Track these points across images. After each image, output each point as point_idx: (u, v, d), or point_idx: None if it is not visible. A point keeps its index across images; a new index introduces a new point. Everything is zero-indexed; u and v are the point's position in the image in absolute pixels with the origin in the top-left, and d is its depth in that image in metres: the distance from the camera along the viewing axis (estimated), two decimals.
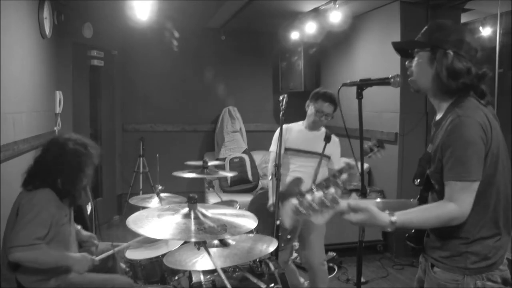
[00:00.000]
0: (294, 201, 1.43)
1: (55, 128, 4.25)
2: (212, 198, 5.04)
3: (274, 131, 3.27)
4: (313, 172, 3.22)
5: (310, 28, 5.08)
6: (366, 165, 4.38)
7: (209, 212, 1.76)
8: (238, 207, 3.06)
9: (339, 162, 3.29)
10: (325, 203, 1.39)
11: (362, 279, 3.77)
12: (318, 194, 1.41)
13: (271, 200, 3.09)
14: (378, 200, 1.73)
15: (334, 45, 5.78)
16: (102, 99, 5.51)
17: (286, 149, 3.20)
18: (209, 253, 1.69)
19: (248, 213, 1.90)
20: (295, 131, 3.26)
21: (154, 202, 3.00)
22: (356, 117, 1.84)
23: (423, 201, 1.68)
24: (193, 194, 1.76)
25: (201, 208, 1.76)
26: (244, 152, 5.90)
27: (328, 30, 5.15)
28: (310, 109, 3.21)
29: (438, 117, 1.65)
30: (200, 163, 3.28)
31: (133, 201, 3.11)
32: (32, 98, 3.56)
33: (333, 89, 2.70)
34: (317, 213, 1.40)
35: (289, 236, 3.10)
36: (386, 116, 4.67)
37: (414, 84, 1.68)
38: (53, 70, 4.26)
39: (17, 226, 2.14)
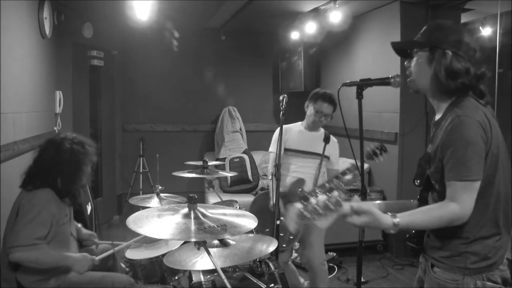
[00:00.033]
0: (298, 205, 1.43)
1: (55, 128, 4.26)
2: (212, 198, 5.04)
3: (274, 131, 3.27)
4: (313, 172, 3.23)
5: (310, 28, 5.08)
6: (366, 165, 4.38)
7: (209, 212, 1.75)
8: (238, 207, 3.06)
9: (338, 162, 3.31)
10: (329, 207, 1.39)
11: (362, 279, 3.76)
12: (322, 197, 1.41)
13: (273, 201, 3.09)
14: (378, 202, 1.72)
15: (334, 45, 5.77)
16: (102, 99, 5.51)
17: (286, 150, 3.20)
18: (209, 253, 1.69)
19: (248, 213, 1.90)
20: (294, 132, 3.26)
21: (154, 202, 2.99)
22: (356, 117, 1.84)
23: (423, 201, 1.68)
24: (193, 194, 1.76)
25: (201, 208, 1.76)
26: (244, 152, 5.90)
27: (328, 30, 5.15)
28: (310, 109, 3.21)
29: (438, 117, 1.65)
30: (200, 163, 3.27)
31: (133, 201, 3.11)
32: (32, 98, 3.56)
33: (333, 89, 2.70)
34: (321, 217, 1.40)
35: (291, 237, 3.11)
36: (386, 116, 4.67)
37: (413, 84, 1.68)
38: (53, 70, 4.26)
39: (18, 226, 2.14)
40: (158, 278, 2.72)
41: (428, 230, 1.65)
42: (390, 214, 1.48)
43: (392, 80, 1.81)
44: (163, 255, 2.47)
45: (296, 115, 3.39)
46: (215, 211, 1.81)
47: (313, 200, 1.42)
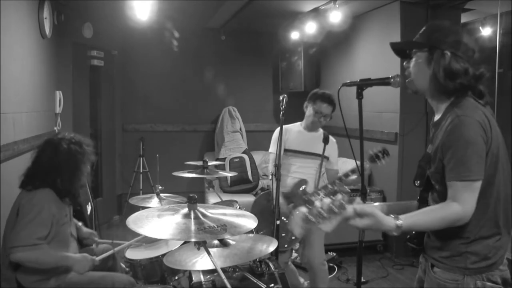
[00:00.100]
0: (303, 209, 1.43)
1: (55, 128, 4.26)
2: (212, 198, 5.04)
3: (274, 131, 3.28)
4: (313, 173, 3.24)
5: (310, 28, 5.08)
6: (366, 166, 4.39)
7: (209, 212, 1.75)
8: (238, 207, 3.06)
9: (337, 162, 3.32)
10: (333, 210, 1.39)
11: (362, 279, 3.77)
12: (326, 201, 1.41)
13: (280, 199, 3.09)
14: (376, 204, 1.72)
15: (334, 45, 5.77)
16: (102, 99, 5.51)
17: (286, 150, 3.20)
18: (209, 253, 1.69)
19: (248, 213, 1.90)
20: (294, 132, 3.26)
21: (154, 202, 2.99)
22: (356, 117, 1.84)
23: (423, 202, 1.68)
24: (193, 194, 1.76)
25: (201, 208, 1.76)
26: (244, 152, 5.90)
27: (328, 30, 5.15)
28: (309, 110, 3.22)
29: (437, 117, 1.66)
30: (200, 163, 3.27)
31: (133, 201, 3.11)
32: (32, 98, 3.56)
33: (333, 89, 2.70)
34: (326, 221, 1.40)
35: (293, 237, 3.11)
36: (386, 116, 4.67)
37: (412, 85, 1.68)
38: (53, 70, 4.26)
39: (18, 226, 2.14)
40: (158, 278, 2.72)
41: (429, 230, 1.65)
42: (393, 216, 1.47)
43: (392, 80, 1.81)
44: (163, 255, 2.47)
45: (296, 115, 3.39)
46: (215, 211, 1.81)
47: (317, 203, 1.42)
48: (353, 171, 2.93)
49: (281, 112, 2.88)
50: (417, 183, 1.69)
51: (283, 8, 4.94)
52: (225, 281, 1.68)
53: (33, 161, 2.38)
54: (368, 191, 2.81)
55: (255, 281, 2.10)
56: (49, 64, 4.12)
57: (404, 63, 1.70)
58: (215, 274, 2.12)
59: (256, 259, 2.23)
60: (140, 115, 6.11)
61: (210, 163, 3.26)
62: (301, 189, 3.14)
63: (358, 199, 1.48)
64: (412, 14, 4.37)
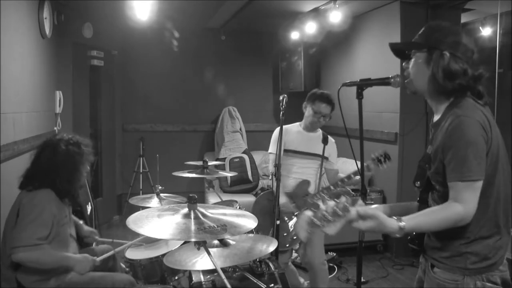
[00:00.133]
0: (308, 213, 1.43)
1: (55, 128, 4.26)
2: (212, 198, 5.04)
3: (274, 131, 3.28)
4: (314, 173, 3.25)
5: (310, 28, 5.08)
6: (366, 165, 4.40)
7: (209, 212, 1.75)
8: (238, 207, 3.06)
9: (336, 162, 3.34)
10: (337, 213, 1.39)
11: (362, 279, 3.77)
12: (331, 204, 1.41)
13: (282, 199, 3.10)
14: (378, 205, 1.72)
15: (334, 45, 5.77)
16: (102, 99, 5.51)
17: (286, 151, 3.20)
18: (209, 253, 1.69)
19: (248, 213, 1.90)
20: (293, 133, 3.26)
21: (154, 202, 2.99)
22: (356, 117, 1.84)
23: (423, 202, 1.68)
24: (193, 194, 1.76)
25: (201, 208, 1.76)
26: (244, 152, 5.90)
27: (328, 30, 5.15)
28: (308, 110, 3.22)
29: (436, 118, 1.66)
30: (200, 163, 3.27)
31: (133, 201, 3.11)
32: (32, 98, 3.55)
33: (333, 89, 2.70)
34: (330, 224, 1.40)
35: (295, 237, 3.12)
36: (386, 116, 4.67)
37: (411, 85, 1.68)
38: (53, 70, 4.26)
39: (19, 227, 2.14)
40: (158, 278, 2.72)
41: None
42: (395, 217, 1.47)
43: (392, 80, 1.81)
44: (163, 255, 2.47)
45: (296, 115, 3.39)
46: (215, 211, 1.81)
47: (322, 206, 1.42)
48: (355, 174, 2.94)
49: (281, 112, 2.88)
50: (417, 184, 1.69)
51: (283, 8, 4.94)
52: (225, 281, 1.68)
53: (32, 163, 2.39)
54: (368, 191, 2.82)
55: (255, 281, 2.10)
56: (49, 64, 4.12)
57: (403, 64, 1.70)
58: (215, 274, 2.12)
59: (256, 259, 2.23)
60: (140, 115, 6.11)
61: (210, 163, 3.26)
62: (304, 192, 3.15)
63: (360, 201, 1.48)
64: (412, 14, 4.37)
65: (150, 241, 2.86)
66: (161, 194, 3.07)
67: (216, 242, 2.10)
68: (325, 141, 3.21)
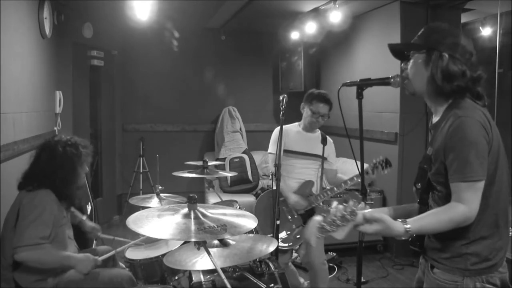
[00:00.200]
0: (318, 218, 1.43)
1: (55, 128, 4.25)
2: (212, 198, 5.04)
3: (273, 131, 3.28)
4: (314, 174, 3.26)
5: (310, 28, 5.08)
6: (366, 165, 4.42)
7: (209, 212, 1.75)
8: (238, 207, 3.06)
9: (335, 162, 3.35)
10: (346, 218, 1.40)
11: (362, 279, 3.77)
12: (340, 208, 1.42)
13: (293, 197, 3.11)
14: (379, 208, 1.73)
15: (334, 45, 5.77)
16: (102, 99, 5.51)
17: (286, 151, 3.20)
18: (209, 253, 1.69)
19: (248, 213, 1.90)
20: (293, 133, 3.27)
21: (154, 202, 2.99)
22: (356, 117, 1.83)
23: (423, 203, 1.68)
24: (193, 194, 1.76)
25: (201, 208, 1.76)
26: (244, 152, 5.90)
27: (328, 30, 5.15)
28: (306, 111, 3.23)
29: (435, 119, 1.66)
30: (200, 163, 3.27)
31: (133, 201, 3.11)
32: (32, 98, 3.55)
33: (333, 89, 2.71)
34: (339, 228, 1.40)
35: (298, 236, 3.13)
36: (386, 116, 4.67)
37: (410, 86, 1.68)
38: (53, 70, 4.26)
39: (21, 227, 2.15)
40: (158, 278, 2.72)
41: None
42: (400, 220, 1.47)
43: (392, 80, 1.81)
44: (163, 255, 2.47)
45: (296, 115, 3.39)
46: (215, 211, 1.81)
47: (332, 211, 1.42)
48: (358, 177, 2.95)
49: (281, 112, 2.89)
50: (418, 185, 1.68)
51: (283, 8, 4.94)
52: (225, 281, 1.68)
53: (30, 164, 2.40)
54: (368, 191, 2.83)
55: (255, 281, 2.10)
56: (49, 64, 4.12)
57: (402, 65, 1.71)
58: (215, 274, 2.11)
59: (256, 259, 2.23)
60: (140, 115, 6.11)
61: (210, 163, 3.26)
62: (309, 192, 3.17)
63: (363, 204, 1.47)
64: (412, 14, 4.37)
65: (150, 241, 2.86)
66: (161, 194, 3.07)
67: (216, 242, 2.10)
68: (324, 141, 3.23)
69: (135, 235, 2.26)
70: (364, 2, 4.66)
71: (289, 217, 3.16)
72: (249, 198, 5.12)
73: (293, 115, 3.38)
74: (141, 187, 5.83)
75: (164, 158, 5.55)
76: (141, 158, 5.94)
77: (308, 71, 5.88)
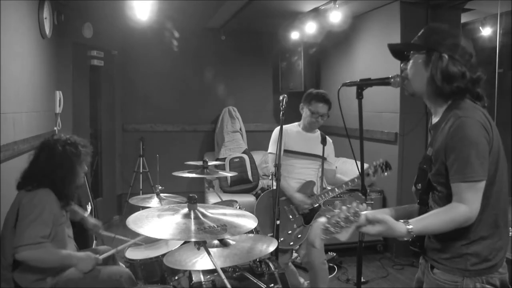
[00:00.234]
0: (322, 220, 1.43)
1: (55, 128, 4.25)
2: (212, 198, 5.04)
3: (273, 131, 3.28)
4: (314, 174, 3.27)
5: (310, 28, 5.08)
6: (366, 165, 4.43)
7: (209, 212, 1.75)
8: (238, 207, 3.06)
9: (334, 162, 3.37)
10: (349, 219, 1.40)
11: (362, 279, 3.77)
12: (343, 209, 1.42)
13: (299, 196, 3.13)
14: (381, 209, 1.73)
15: (334, 45, 5.77)
16: (102, 99, 5.51)
17: (286, 151, 3.20)
18: (209, 253, 1.69)
19: (248, 213, 1.90)
20: (293, 133, 3.27)
21: (154, 202, 2.99)
22: (356, 117, 1.84)
23: (423, 204, 1.68)
24: (193, 194, 1.76)
25: (201, 208, 1.76)
26: (244, 152, 5.90)
27: (328, 30, 5.15)
28: (305, 111, 3.23)
29: (435, 120, 1.66)
30: (200, 163, 3.27)
31: (133, 201, 3.11)
32: (32, 98, 3.55)
33: (333, 89, 2.71)
34: (343, 230, 1.41)
35: (299, 236, 3.13)
36: (386, 116, 4.67)
37: (409, 87, 1.68)
38: (53, 70, 4.26)
39: (21, 226, 2.15)
40: (158, 278, 2.72)
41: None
42: (402, 221, 1.47)
43: (392, 80, 1.81)
44: (163, 255, 2.47)
45: (296, 115, 3.39)
46: (215, 211, 1.81)
47: (336, 212, 1.43)
48: (359, 178, 2.96)
49: (281, 112, 2.89)
50: (419, 186, 1.68)
51: (283, 8, 4.94)
52: (225, 281, 1.68)
53: (29, 163, 2.40)
54: (368, 191, 2.83)
55: (255, 281, 2.10)
56: (49, 64, 4.11)
57: (402, 65, 1.71)
58: (215, 274, 2.11)
59: (256, 259, 2.23)
60: (140, 115, 6.11)
61: (210, 163, 3.26)
62: (310, 192, 3.17)
63: (364, 205, 1.48)
64: (412, 14, 4.37)
65: (150, 241, 2.86)
66: (161, 194, 3.07)
67: (216, 242, 2.10)
68: (324, 141, 3.24)
69: (135, 235, 2.27)
70: (364, 2, 4.65)
71: (290, 217, 3.17)
72: (249, 198, 5.12)
73: (293, 115, 3.38)
74: (141, 187, 5.83)
75: (164, 158, 5.54)
76: (141, 158, 5.94)
77: (308, 71, 5.88)
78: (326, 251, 3.68)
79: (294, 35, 5.63)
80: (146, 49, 5.89)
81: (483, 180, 1.48)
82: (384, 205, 4.64)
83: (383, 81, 1.83)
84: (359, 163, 1.93)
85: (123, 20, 4.83)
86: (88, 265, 2.29)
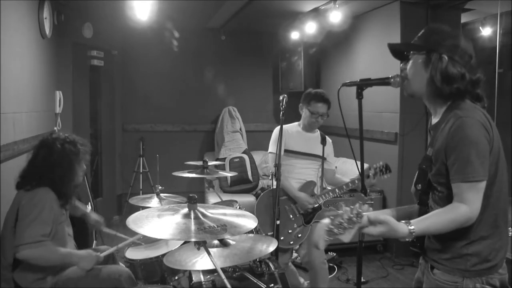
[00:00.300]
0: (326, 221, 1.44)
1: (55, 128, 4.25)
2: (212, 198, 5.04)
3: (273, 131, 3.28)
4: (314, 174, 3.27)
5: (310, 28, 5.08)
6: (366, 165, 4.44)
7: (209, 212, 1.75)
8: (238, 207, 3.06)
9: (334, 162, 3.37)
10: (352, 220, 1.41)
11: (362, 279, 3.77)
12: (346, 211, 1.42)
13: (302, 195, 3.13)
14: (382, 210, 1.73)
15: (334, 45, 5.77)
16: (102, 99, 5.51)
17: (286, 151, 3.20)
18: (209, 253, 1.69)
19: (248, 213, 1.90)
20: (293, 133, 3.27)
21: (154, 202, 2.99)
22: (356, 117, 1.84)
23: (423, 204, 1.68)
24: (193, 194, 1.76)
25: (201, 208, 1.76)
26: (244, 152, 5.90)
27: (328, 30, 5.15)
28: (305, 112, 3.23)
29: (435, 120, 1.66)
30: (200, 163, 3.27)
31: (133, 201, 3.11)
32: (32, 98, 3.55)
33: (333, 89, 2.71)
34: (346, 231, 1.41)
35: (299, 235, 3.13)
36: (386, 116, 4.67)
37: (409, 87, 1.68)
38: (53, 70, 4.26)
39: (22, 225, 2.15)
40: (158, 278, 2.72)
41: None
42: (404, 222, 1.47)
43: (392, 80, 1.81)
44: (163, 255, 2.47)
45: (296, 115, 3.39)
46: (215, 211, 1.81)
47: (339, 213, 1.43)
48: (359, 179, 2.97)
49: (281, 112, 2.89)
50: (419, 186, 1.68)
51: (283, 8, 4.94)
52: (225, 281, 1.68)
53: (28, 162, 2.40)
54: (368, 191, 2.84)
55: (255, 281, 2.10)
56: (49, 64, 4.11)
57: (401, 65, 1.70)
58: (215, 274, 2.12)
59: (256, 259, 2.23)
60: (140, 115, 6.11)
61: (210, 163, 3.26)
62: (310, 192, 3.17)
63: (366, 206, 1.48)
64: (412, 14, 4.37)
65: (150, 241, 2.86)
66: (161, 194, 3.07)
67: (216, 242, 2.10)
68: (323, 141, 3.24)
69: (135, 235, 2.26)
70: (364, 2, 4.66)
71: (291, 216, 3.17)
72: (249, 198, 5.12)
73: (293, 115, 3.38)
74: (141, 187, 5.83)
75: (164, 158, 5.54)
76: (141, 158, 5.94)
77: (308, 71, 5.88)
78: (326, 251, 3.69)
79: (294, 35, 5.63)
80: (146, 49, 5.89)
81: (483, 180, 1.48)
82: (384, 205, 4.64)
83: (383, 81, 1.83)
84: (359, 163, 1.93)
85: (123, 20, 4.84)
86: (89, 263, 2.29)
